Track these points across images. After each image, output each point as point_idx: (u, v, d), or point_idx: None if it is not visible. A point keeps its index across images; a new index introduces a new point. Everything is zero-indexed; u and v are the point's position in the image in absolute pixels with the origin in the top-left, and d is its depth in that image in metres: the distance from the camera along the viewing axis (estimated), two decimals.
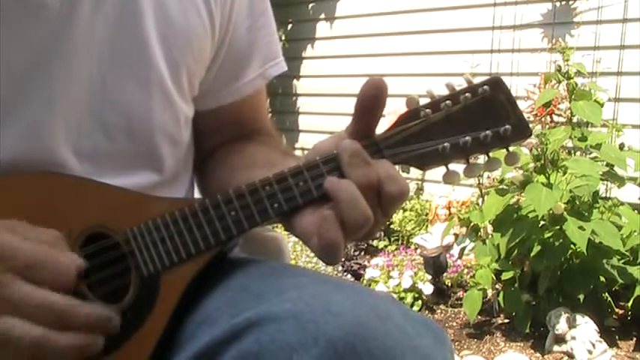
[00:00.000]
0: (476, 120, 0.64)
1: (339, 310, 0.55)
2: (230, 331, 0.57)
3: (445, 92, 0.66)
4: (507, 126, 0.64)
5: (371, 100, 0.62)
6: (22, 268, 0.56)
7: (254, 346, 0.55)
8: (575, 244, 2.31)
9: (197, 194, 0.88)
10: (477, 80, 0.66)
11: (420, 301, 2.82)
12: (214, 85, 0.83)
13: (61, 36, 0.66)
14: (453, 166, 0.66)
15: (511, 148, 0.65)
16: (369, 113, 0.63)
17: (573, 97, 2.50)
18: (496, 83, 0.65)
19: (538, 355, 2.40)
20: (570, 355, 2.31)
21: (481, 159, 0.66)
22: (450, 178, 0.66)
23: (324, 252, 0.60)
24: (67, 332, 0.56)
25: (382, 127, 0.63)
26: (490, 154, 0.66)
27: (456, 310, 2.83)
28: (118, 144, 0.72)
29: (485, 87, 0.64)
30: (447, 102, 0.64)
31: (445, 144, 0.64)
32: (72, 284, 0.58)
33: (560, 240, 2.37)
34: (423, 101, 0.66)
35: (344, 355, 0.53)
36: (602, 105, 2.50)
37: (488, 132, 0.64)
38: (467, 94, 0.64)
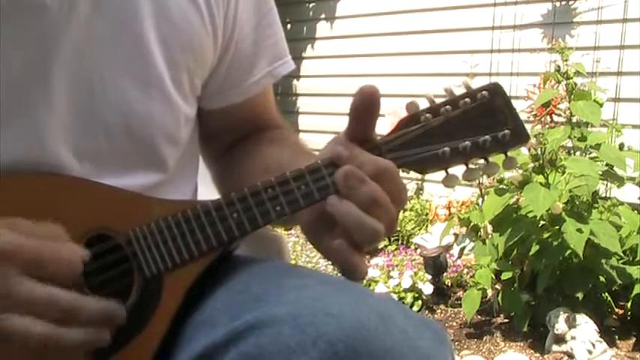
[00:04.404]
0: (475, 125, 0.65)
1: (338, 311, 0.55)
2: (230, 334, 0.57)
3: (444, 96, 0.66)
4: (506, 131, 0.65)
5: (364, 108, 0.65)
6: (26, 264, 0.57)
7: (253, 349, 0.55)
8: None
9: (201, 192, 0.88)
10: (476, 81, 0.67)
11: (419, 301, 2.83)
12: (223, 84, 0.83)
13: (60, 36, 0.66)
14: (452, 170, 0.67)
15: (509, 153, 0.66)
16: (363, 119, 0.66)
17: (572, 97, 2.50)
18: (495, 89, 0.66)
19: (538, 355, 2.40)
20: (570, 355, 2.31)
21: (480, 163, 0.67)
22: (449, 182, 0.67)
23: (346, 276, 0.64)
24: (73, 327, 0.57)
25: (383, 126, 0.64)
26: (489, 159, 0.66)
27: (455, 310, 2.83)
28: (117, 144, 0.72)
29: (484, 92, 0.65)
30: (447, 107, 0.65)
31: (445, 149, 0.65)
32: (77, 277, 0.59)
33: (559, 240, 2.37)
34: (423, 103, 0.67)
35: (344, 357, 0.53)
36: (601, 105, 2.50)
37: (487, 137, 0.65)
38: (466, 99, 0.65)
